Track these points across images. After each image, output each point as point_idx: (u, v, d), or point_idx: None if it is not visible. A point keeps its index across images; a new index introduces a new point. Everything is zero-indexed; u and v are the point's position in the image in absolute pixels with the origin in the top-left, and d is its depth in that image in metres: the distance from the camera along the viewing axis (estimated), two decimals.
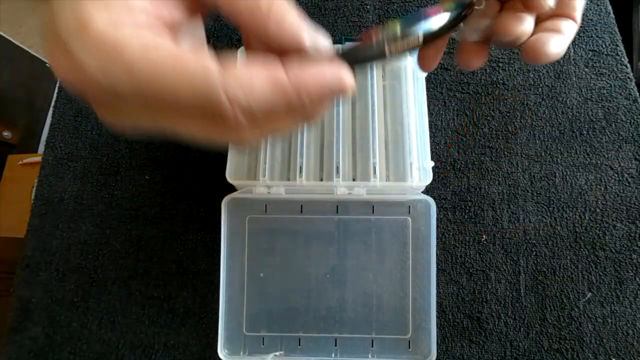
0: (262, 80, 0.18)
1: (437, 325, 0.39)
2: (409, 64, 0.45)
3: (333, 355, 0.39)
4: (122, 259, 0.45)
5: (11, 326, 0.44)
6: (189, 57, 0.18)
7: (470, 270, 0.44)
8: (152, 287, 0.44)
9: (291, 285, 0.41)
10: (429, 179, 0.40)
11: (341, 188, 0.39)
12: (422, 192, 0.41)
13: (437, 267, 0.43)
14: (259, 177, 0.40)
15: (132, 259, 0.45)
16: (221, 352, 0.39)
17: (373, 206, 0.40)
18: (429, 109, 0.49)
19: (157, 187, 0.48)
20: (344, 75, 0.20)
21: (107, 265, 0.45)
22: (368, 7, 0.54)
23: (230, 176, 0.41)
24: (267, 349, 0.40)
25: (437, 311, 0.39)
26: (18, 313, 0.44)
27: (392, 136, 0.43)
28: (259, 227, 0.41)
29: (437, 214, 0.45)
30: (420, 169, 0.41)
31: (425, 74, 0.45)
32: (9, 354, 0.43)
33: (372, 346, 0.39)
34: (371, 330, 0.40)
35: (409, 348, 0.39)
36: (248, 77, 0.18)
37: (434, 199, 0.39)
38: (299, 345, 0.40)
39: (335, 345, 0.40)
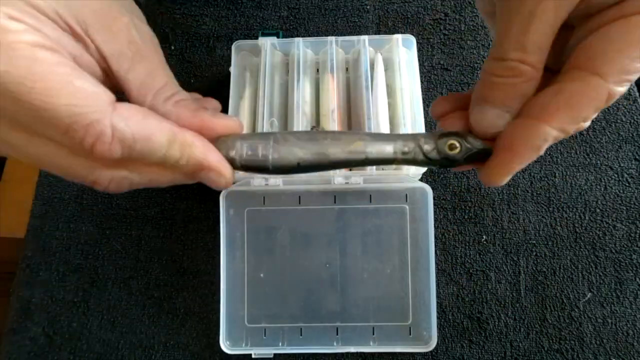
0: (155, 123, 0.19)
1: (437, 326, 0.39)
2: (402, 54, 0.45)
3: (335, 344, 0.40)
4: (122, 259, 0.45)
5: (11, 326, 0.44)
6: (85, 81, 0.18)
7: (470, 271, 0.44)
8: (152, 287, 0.44)
9: (291, 276, 0.41)
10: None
11: (338, 178, 0.40)
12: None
13: (437, 267, 0.43)
14: None
15: (132, 259, 0.45)
16: (223, 344, 0.39)
17: (370, 195, 0.40)
18: (429, 109, 0.49)
19: (157, 187, 0.48)
20: (225, 171, 0.22)
21: (107, 265, 0.45)
22: (368, 7, 0.54)
23: None
24: (269, 340, 0.40)
25: (437, 311, 0.39)
26: (18, 313, 0.44)
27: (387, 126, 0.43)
28: (257, 219, 0.41)
29: (437, 214, 0.45)
30: None
31: (417, 65, 0.45)
32: (9, 354, 0.43)
33: (373, 334, 0.40)
34: (372, 318, 0.40)
35: (410, 334, 0.39)
36: (141, 114, 0.19)
37: (434, 199, 0.40)
38: (301, 335, 0.40)
39: (337, 334, 0.40)
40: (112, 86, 0.20)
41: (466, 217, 0.45)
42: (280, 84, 0.47)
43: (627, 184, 0.46)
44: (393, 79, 0.45)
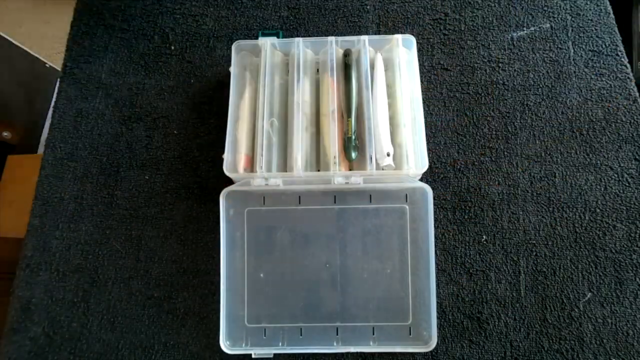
0: None
1: (437, 326, 0.39)
2: (402, 54, 0.45)
3: (335, 344, 0.40)
4: (122, 259, 0.45)
5: (11, 326, 0.44)
6: None
7: (470, 271, 0.44)
8: (152, 287, 0.44)
9: (291, 276, 0.41)
10: (425, 166, 0.40)
11: (338, 178, 0.39)
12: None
13: (437, 267, 0.43)
14: (256, 169, 0.40)
15: (132, 259, 0.45)
16: (223, 344, 0.39)
17: (370, 195, 0.40)
18: (429, 109, 0.49)
19: (157, 187, 0.48)
20: None
21: (107, 265, 0.45)
22: (368, 7, 0.54)
23: (227, 169, 0.41)
24: (269, 340, 0.40)
25: (437, 311, 0.39)
26: (18, 313, 0.44)
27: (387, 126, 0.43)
28: (257, 219, 0.41)
29: (437, 214, 0.45)
30: (416, 156, 0.41)
31: (417, 65, 0.45)
32: (9, 354, 0.43)
33: (373, 334, 0.40)
34: (372, 318, 0.40)
35: (410, 334, 0.40)
36: None
37: (434, 199, 0.40)
38: (301, 335, 0.40)
39: (337, 334, 0.40)
40: None
41: (466, 217, 0.45)
42: (280, 84, 0.47)
43: (627, 184, 0.46)
44: (393, 79, 0.45)
